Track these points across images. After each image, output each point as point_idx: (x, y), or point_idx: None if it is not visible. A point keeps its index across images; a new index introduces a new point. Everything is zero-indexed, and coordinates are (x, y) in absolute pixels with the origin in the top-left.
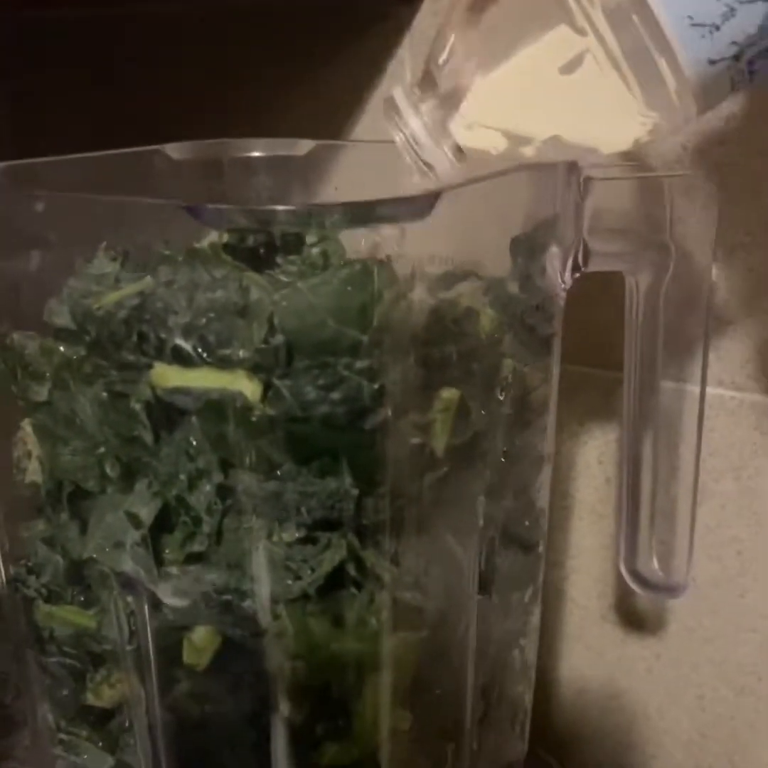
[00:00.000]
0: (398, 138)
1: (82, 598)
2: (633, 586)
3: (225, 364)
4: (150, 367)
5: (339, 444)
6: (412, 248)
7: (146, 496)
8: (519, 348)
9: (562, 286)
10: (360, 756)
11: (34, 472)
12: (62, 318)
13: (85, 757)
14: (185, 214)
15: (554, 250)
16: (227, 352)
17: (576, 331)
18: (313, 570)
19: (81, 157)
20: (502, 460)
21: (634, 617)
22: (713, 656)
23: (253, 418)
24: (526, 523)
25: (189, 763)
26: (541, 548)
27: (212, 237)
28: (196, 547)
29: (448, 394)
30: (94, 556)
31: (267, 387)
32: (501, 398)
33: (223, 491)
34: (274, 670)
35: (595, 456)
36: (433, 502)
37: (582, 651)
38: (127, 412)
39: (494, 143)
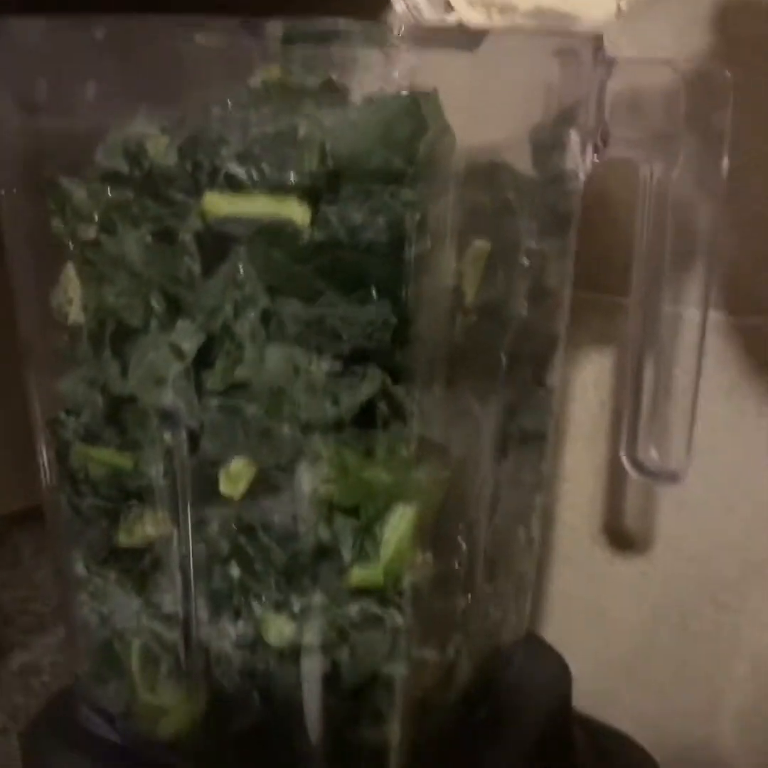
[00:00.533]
0: (399, 7)
1: (119, 441)
2: (633, 473)
3: (277, 190)
4: (200, 200)
5: (381, 274)
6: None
7: (190, 330)
8: (538, 226)
9: (583, 168)
10: (385, 582)
11: (76, 314)
12: (113, 159)
13: (113, 602)
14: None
15: (575, 133)
16: (280, 177)
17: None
18: (348, 399)
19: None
20: (522, 331)
21: (622, 538)
22: (698, 574)
23: (302, 243)
24: (540, 394)
25: (219, 595)
26: (549, 436)
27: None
28: (238, 374)
29: (481, 244)
30: (135, 393)
31: (315, 214)
32: (525, 265)
33: (267, 318)
34: (307, 495)
35: (591, 380)
36: (460, 354)
37: (570, 572)
38: (175, 250)
39: (478, 15)
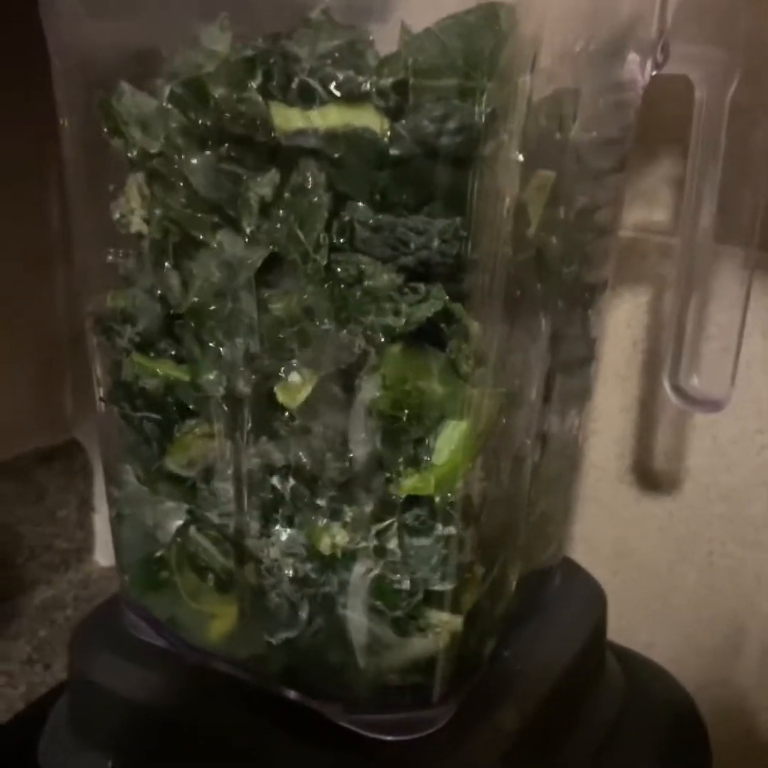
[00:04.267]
0: None
1: (175, 354)
2: (675, 400)
3: (352, 101)
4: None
5: (452, 183)
6: None
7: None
8: (596, 150)
9: (641, 83)
10: (435, 492)
11: (138, 224)
12: (179, 86)
13: (162, 514)
14: None
15: (634, 45)
16: (355, 84)
17: None
18: (411, 313)
19: None
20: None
21: (650, 477)
22: (725, 512)
23: (377, 151)
24: (585, 330)
25: (271, 506)
26: (593, 366)
27: None
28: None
29: (545, 173)
30: (195, 305)
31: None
32: (584, 200)
33: (331, 223)
34: (365, 403)
35: (624, 319)
36: (518, 283)
37: (597, 511)
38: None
39: None
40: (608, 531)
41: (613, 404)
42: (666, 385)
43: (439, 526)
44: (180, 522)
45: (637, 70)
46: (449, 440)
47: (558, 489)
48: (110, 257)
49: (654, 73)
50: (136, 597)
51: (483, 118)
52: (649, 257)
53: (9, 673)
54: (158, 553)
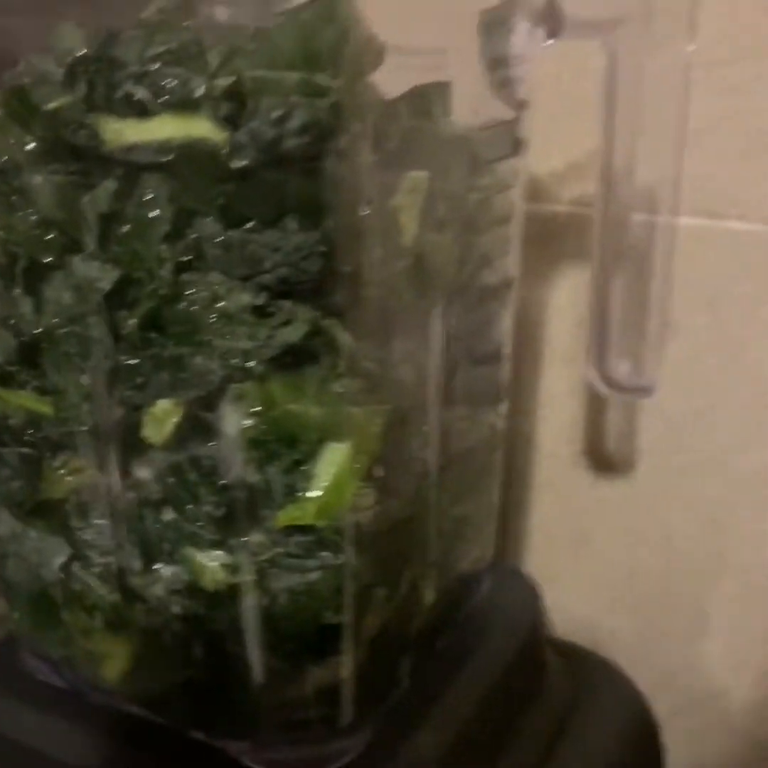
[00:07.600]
0: None
1: (36, 385)
2: (602, 389)
3: (185, 108)
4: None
5: (302, 192)
6: None
7: (104, 266)
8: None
9: (531, 52)
10: (316, 520)
11: None
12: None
13: (42, 554)
14: None
15: (522, 15)
16: (187, 91)
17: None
18: (271, 337)
19: None
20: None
21: (604, 461)
22: (682, 493)
23: (219, 166)
24: (489, 331)
25: (151, 541)
26: (502, 365)
27: None
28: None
29: (416, 174)
30: (48, 332)
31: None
32: (472, 197)
33: (180, 241)
34: (233, 432)
35: (567, 298)
36: (400, 290)
37: (552, 499)
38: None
39: None
40: (564, 518)
41: (560, 387)
42: (593, 373)
43: (327, 558)
44: (63, 558)
45: (526, 41)
46: (330, 464)
47: (475, 494)
48: None
49: (548, 42)
50: (28, 636)
51: (327, 114)
52: (587, 232)
53: None
54: (44, 592)
